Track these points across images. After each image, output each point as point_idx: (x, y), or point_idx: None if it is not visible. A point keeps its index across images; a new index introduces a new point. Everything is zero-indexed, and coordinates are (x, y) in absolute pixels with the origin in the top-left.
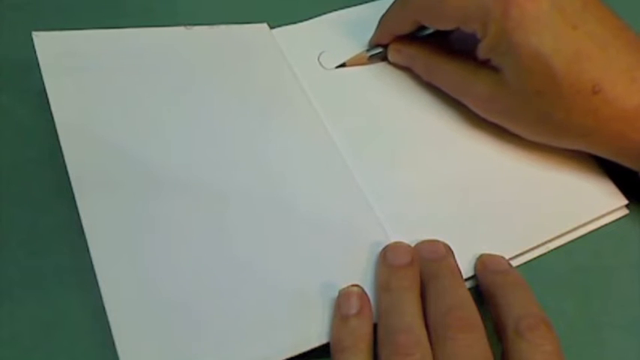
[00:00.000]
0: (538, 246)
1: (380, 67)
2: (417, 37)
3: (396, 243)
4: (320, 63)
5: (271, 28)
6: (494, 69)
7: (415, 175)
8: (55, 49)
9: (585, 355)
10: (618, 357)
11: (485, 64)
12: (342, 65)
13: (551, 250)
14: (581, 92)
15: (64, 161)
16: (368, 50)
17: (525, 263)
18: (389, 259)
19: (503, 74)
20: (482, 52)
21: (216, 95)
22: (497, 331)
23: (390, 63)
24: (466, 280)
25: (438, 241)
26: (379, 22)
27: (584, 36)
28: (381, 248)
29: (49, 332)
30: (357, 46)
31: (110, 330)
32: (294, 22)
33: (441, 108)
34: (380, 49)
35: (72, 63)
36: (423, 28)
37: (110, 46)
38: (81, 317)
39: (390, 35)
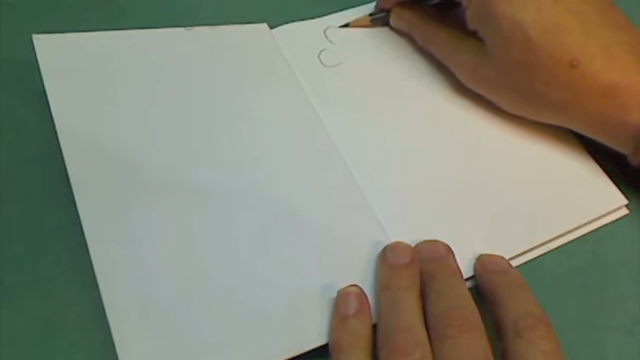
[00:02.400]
0: (538, 246)
1: (380, 65)
2: (418, 4)
3: (395, 243)
4: (320, 61)
5: (271, 28)
6: (480, 39)
7: (415, 175)
8: (55, 52)
9: (585, 355)
10: (618, 357)
11: (473, 35)
12: (346, 25)
13: (551, 250)
14: (559, 65)
15: (64, 161)
16: (371, 14)
17: (525, 263)
18: (389, 258)
19: (486, 44)
20: (468, 21)
21: (216, 96)
22: (496, 331)
23: (390, 62)
24: (466, 280)
25: (438, 241)
26: None
27: (565, 10)
28: (381, 248)
29: (49, 332)
30: (358, 45)
31: (110, 330)
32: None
33: (442, 107)
34: (383, 14)
35: (72, 65)
36: None
37: (110, 47)
38: (81, 317)
39: (393, 0)
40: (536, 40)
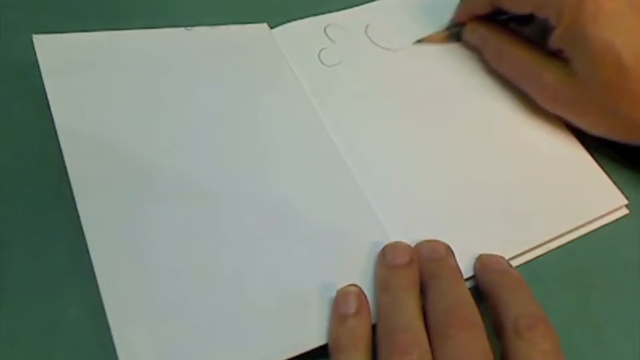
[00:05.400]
0: (538, 246)
1: (380, 64)
2: (494, 20)
3: (395, 243)
4: (320, 60)
5: (271, 28)
6: (564, 60)
7: (416, 175)
8: (55, 52)
9: (585, 355)
10: (618, 357)
11: (555, 55)
12: (420, 42)
13: (551, 250)
14: None
15: (64, 161)
16: (446, 29)
17: (525, 263)
18: (388, 258)
19: (573, 65)
20: (554, 41)
21: (216, 96)
22: (496, 331)
23: (389, 60)
24: (466, 279)
25: (438, 241)
26: (460, 1)
27: None
28: (380, 248)
29: (49, 332)
30: (359, 43)
31: (110, 330)
32: None
33: (442, 107)
34: (457, 28)
35: (72, 65)
36: (501, 12)
37: (110, 48)
38: (81, 317)
39: (469, 15)
40: (627, 63)
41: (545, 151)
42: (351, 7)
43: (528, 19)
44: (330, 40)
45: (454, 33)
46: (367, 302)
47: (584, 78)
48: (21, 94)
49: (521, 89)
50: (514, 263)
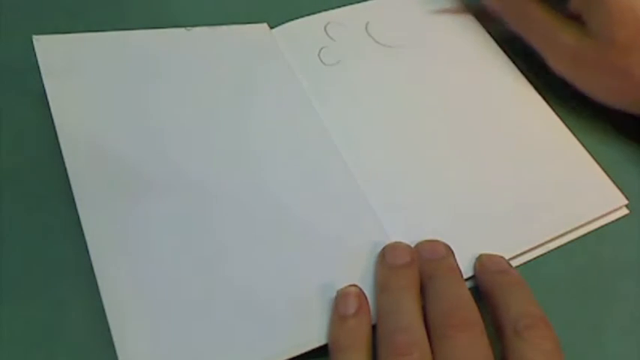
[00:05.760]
0: (538, 246)
1: (381, 61)
2: None
3: (395, 243)
4: (320, 59)
5: (271, 28)
6: (583, 23)
7: (416, 175)
8: (55, 53)
9: (585, 355)
10: (618, 357)
11: (573, 18)
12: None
13: (551, 250)
14: None
15: (63, 161)
16: None
17: (525, 263)
18: (388, 259)
19: (592, 27)
20: (574, 3)
21: (216, 96)
22: (496, 331)
23: (390, 58)
24: (466, 280)
25: (438, 241)
26: None
27: None
28: (380, 248)
29: (49, 332)
30: (360, 40)
31: (110, 330)
32: None
33: (443, 105)
34: None
35: (72, 66)
36: None
37: (110, 48)
38: (81, 317)
39: None
40: None
41: (545, 151)
42: (352, 4)
43: None
44: (331, 38)
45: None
46: (367, 302)
47: (602, 39)
48: (21, 94)
49: (538, 51)
50: (514, 263)
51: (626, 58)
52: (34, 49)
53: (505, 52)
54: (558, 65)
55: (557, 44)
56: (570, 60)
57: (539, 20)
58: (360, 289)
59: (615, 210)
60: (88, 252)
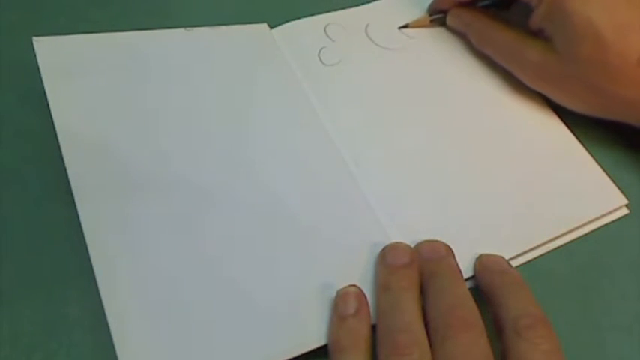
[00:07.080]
0: (538, 246)
1: (381, 63)
2: (475, 6)
3: (395, 243)
4: (320, 59)
5: (271, 28)
6: (546, 39)
7: (416, 175)
8: (55, 54)
9: (585, 355)
10: (618, 357)
11: (536, 35)
12: (405, 26)
13: (551, 250)
14: (627, 62)
15: (63, 161)
16: (430, 14)
17: (525, 263)
18: (388, 259)
19: (555, 42)
20: (535, 20)
21: (216, 96)
22: (496, 331)
23: (389, 60)
24: (466, 280)
25: (438, 241)
26: None
27: (635, 10)
28: (380, 248)
29: (49, 332)
30: (359, 42)
31: (110, 330)
32: None
33: (442, 106)
34: (441, 15)
35: (72, 67)
36: None
37: (110, 49)
38: (81, 317)
39: (451, 1)
40: (606, 38)
41: (545, 151)
42: (352, 6)
43: (507, 3)
44: (330, 39)
45: (438, 19)
46: (367, 302)
47: (566, 54)
48: (21, 95)
49: (507, 70)
50: (514, 263)
51: (589, 71)
52: (34, 50)
53: None
54: (527, 81)
55: (523, 61)
56: (537, 75)
57: (503, 39)
58: (360, 289)
59: (615, 210)
60: (88, 252)
